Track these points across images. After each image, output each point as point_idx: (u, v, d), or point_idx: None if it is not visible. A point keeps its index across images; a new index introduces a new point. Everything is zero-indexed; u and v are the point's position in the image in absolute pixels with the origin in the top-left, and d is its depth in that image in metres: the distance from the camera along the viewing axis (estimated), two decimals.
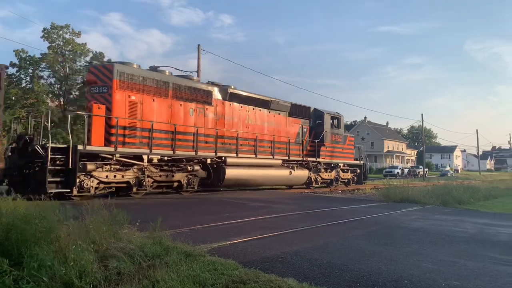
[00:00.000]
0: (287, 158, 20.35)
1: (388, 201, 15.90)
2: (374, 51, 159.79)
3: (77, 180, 12.14)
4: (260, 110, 19.53)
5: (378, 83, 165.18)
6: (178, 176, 15.39)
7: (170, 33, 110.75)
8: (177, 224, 8.07)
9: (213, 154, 16.61)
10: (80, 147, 12.27)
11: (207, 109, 16.86)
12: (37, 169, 12.10)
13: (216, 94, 17.45)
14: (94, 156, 12.84)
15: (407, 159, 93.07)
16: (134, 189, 13.89)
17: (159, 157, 14.69)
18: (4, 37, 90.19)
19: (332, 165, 24.08)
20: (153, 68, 18.34)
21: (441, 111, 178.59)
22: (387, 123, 60.95)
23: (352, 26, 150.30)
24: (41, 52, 37.29)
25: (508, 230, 9.77)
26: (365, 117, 63.15)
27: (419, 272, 5.49)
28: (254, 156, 18.56)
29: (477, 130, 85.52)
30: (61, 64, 38.14)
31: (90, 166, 12.45)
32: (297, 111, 21.83)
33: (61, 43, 38.58)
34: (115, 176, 13.38)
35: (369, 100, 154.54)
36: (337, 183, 24.32)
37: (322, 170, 23.10)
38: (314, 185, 22.35)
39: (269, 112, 20.04)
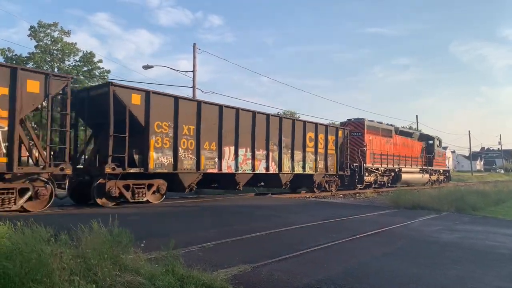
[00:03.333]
0: (421, 167, 33.34)
1: (399, 208, 15.13)
2: (362, 52, 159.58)
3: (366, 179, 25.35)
4: (407, 138, 31.99)
5: (367, 83, 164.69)
6: (385, 178, 27.97)
7: (159, 33, 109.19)
8: (185, 241, 7.23)
9: (398, 166, 29.39)
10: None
11: (390, 140, 28.81)
12: (348, 174, 23.55)
13: (393, 131, 29.67)
14: (365, 169, 25.15)
15: None
16: (372, 186, 26.23)
17: (383, 168, 27.56)
18: None
19: (436, 171, 36.75)
20: (146, 67, 26.90)
21: (430, 112, 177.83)
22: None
23: (340, 27, 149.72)
24: (28, 52, 35.54)
25: None
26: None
27: None
28: (410, 166, 31.33)
29: (469, 132, 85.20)
30: (49, 63, 36.34)
31: (367, 173, 25.38)
32: (420, 136, 35.09)
33: (49, 42, 36.11)
34: (370, 178, 25.99)
35: (358, 101, 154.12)
36: (438, 183, 36.30)
37: (433, 174, 35.96)
38: (428, 183, 33.85)
39: (411, 139, 32.65)
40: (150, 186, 13.86)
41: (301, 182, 21.17)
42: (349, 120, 26.69)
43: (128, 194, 13.17)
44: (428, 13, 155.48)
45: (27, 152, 11.54)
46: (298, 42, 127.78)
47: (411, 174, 31.30)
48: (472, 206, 15.30)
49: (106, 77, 37.49)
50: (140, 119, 13.36)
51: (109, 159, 12.54)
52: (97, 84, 14.16)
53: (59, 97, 11.89)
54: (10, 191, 10.54)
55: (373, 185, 26.39)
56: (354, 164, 24.28)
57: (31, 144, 11.55)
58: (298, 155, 19.88)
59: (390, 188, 25.81)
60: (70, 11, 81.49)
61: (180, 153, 14.38)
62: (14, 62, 33.60)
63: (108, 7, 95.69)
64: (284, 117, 19.78)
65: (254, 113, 17.74)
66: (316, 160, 20.99)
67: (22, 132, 10.84)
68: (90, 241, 5.11)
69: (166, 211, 12.50)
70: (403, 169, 29.86)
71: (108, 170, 12.40)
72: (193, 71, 25.90)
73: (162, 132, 13.89)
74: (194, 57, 25.98)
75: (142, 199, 13.54)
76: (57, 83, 11.45)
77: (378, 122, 28.65)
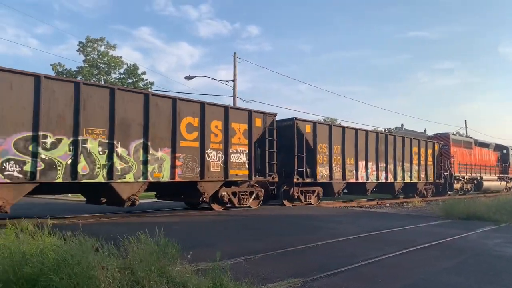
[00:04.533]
0: (498, 175, 36.72)
1: (451, 218, 14.40)
2: (403, 57, 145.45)
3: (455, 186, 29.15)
4: (485, 149, 35.49)
5: (409, 89, 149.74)
6: (468, 186, 31.79)
7: (198, 45, 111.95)
8: (229, 251, 7.21)
9: (479, 174, 33.24)
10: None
11: (470, 151, 32.45)
12: (442, 182, 27.76)
13: (473, 143, 33.55)
14: (454, 177, 29.17)
15: None
16: (459, 192, 29.87)
17: (468, 177, 31.53)
18: (44, 51, 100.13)
19: (511, 178, 39.49)
20: (188, 77, 27.87)
21: (478, 116, 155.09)
22: (425, 130, 57.81)
23: (378, 32, 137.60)
24: (77, 66, 36.90)
25: None
26: (402, 124, 60.34)
27: None
28: (489, 175, 34.98)
29: None
30: (96, 76, 37.30)
31: (455, 181, 29.12)
32: (495, 147, 38.01)
33: (96, 56, 37.70)
34: (457, 186, 30.05)
35: (401, 106, 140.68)
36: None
37: (509, 181, 38.79)
38: (504, 190, 36.41)
39: (488, 149, 36.05)
40: (313, 191, 18.80)
41: (407, 189, 25.36)
42: (435, 134, 31.17)
43: (302, 197, 18.18)
44: (473, 15, 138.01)
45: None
46: (336, 49, 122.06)
47: (491, 181, 34.94)
48: None
49: (150, 88, 37.89)
50: (310, 142, 18.25)
51: (295, 172, 17.49)
52: (282, 119, 17.95)
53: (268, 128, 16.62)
54: (245, 193, 15.84)
55: (459, 191, 30.48)
56: (445, 173, 28.60)
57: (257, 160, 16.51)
58: (406, 166, 24.21)
59: (439, 197, 26.80)
60: (115, 27, 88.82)
61: (333, 167, 19.17)
62: (64, 75, 34.59)
63: (151, 22, 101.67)
64: (397, 136, 24.22)
65: (377, 133, 22.65)
66: (419, 170, 25.33)
67: (254, 153, 15.94)
68: (138, 252, 5.13)
69: (210, 220, 12.82)
70: (484, 177, 33.83)
71: (295, 180, 17.44)
72: (234, 80, 26.13)
73: (323, 152, 18.80)
74: (234, 66, 26.02)
75: (309, 201, 18.53)
76: (269, 118, 16.67)
77: (459, 135, 34.26)
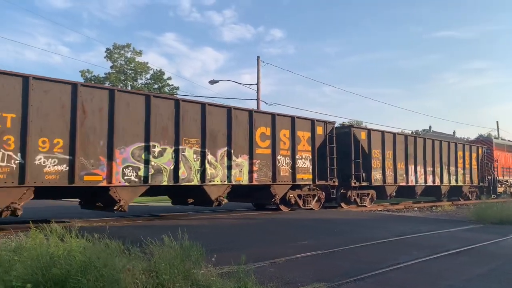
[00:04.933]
0: None
1: (483, 223, 14.04)
2: (431, 57, 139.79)
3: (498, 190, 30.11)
4: None
5: (437, 90, 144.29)
6: (501, 189, 31.32)
7: (223, 50, 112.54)
8: (255, 254, 7.18)
9: None
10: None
11: None
12: (486, 185, 28.48)
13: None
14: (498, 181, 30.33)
15: None
16: (502, 195, 30.02)
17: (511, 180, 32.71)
18: (74, 58, 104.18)
19: None
20: (212, 82, 28.34)
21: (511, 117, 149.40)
22: (454, 132, 56.84)
23: (405, 33, 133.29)
24: (105, 72, 37.87)
25: None
26: (430, 126, 59.36)
27: None
28: None
29: None
30: (123, 82, 38.13)
31: (499, 184, 30.21)
32: None
33: (123, 62, 38.67)
34: (500, 189, 30.89)
35: (428, 108, 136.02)
36: None
37: None
38: None
39: None
40: (367, 194, 20.01)
41: (452, 192, 26.02)
42: (477, 138, 32.57)
43: (357, 200, 19.41)
44: (506, 13, 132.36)
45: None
46: (362, 51, 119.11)
47: None
48: None
49: (175, 93, 38.76)
50: (365, 148, 19.47)
51: (353, 177, 18.76)
52: (338, 126, 19.43)
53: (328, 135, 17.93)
54: (309, 196, 17.20)
55: (502, 195, 30.97)
56: (489, 177, 29.15)
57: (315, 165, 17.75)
58: (452, 170, 25.11)
59: (469, 201, 26.37)
60: (141, 33, 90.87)
61: (386, 171, 20.32)
62: (93, 81, 35.64)
63: (176, 28, 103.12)
64: (443, 141, 25.15)
65: (425, 139, 23.75)
66: (464, 174, 26.21)
67: (316, 159, 17.27)
68: (162, 254, 5.14)
69: (231, 223, 12.97)
70: None
71: (353, 184, 18.69)
72: (257, 84, 26.51)
73: (376, 157, 19.97)
74: (258, 70, 26.46)
75: (364, 203, 19.74)
76: (329, 126, 17.97)
77: (502, 139, 34.56)
